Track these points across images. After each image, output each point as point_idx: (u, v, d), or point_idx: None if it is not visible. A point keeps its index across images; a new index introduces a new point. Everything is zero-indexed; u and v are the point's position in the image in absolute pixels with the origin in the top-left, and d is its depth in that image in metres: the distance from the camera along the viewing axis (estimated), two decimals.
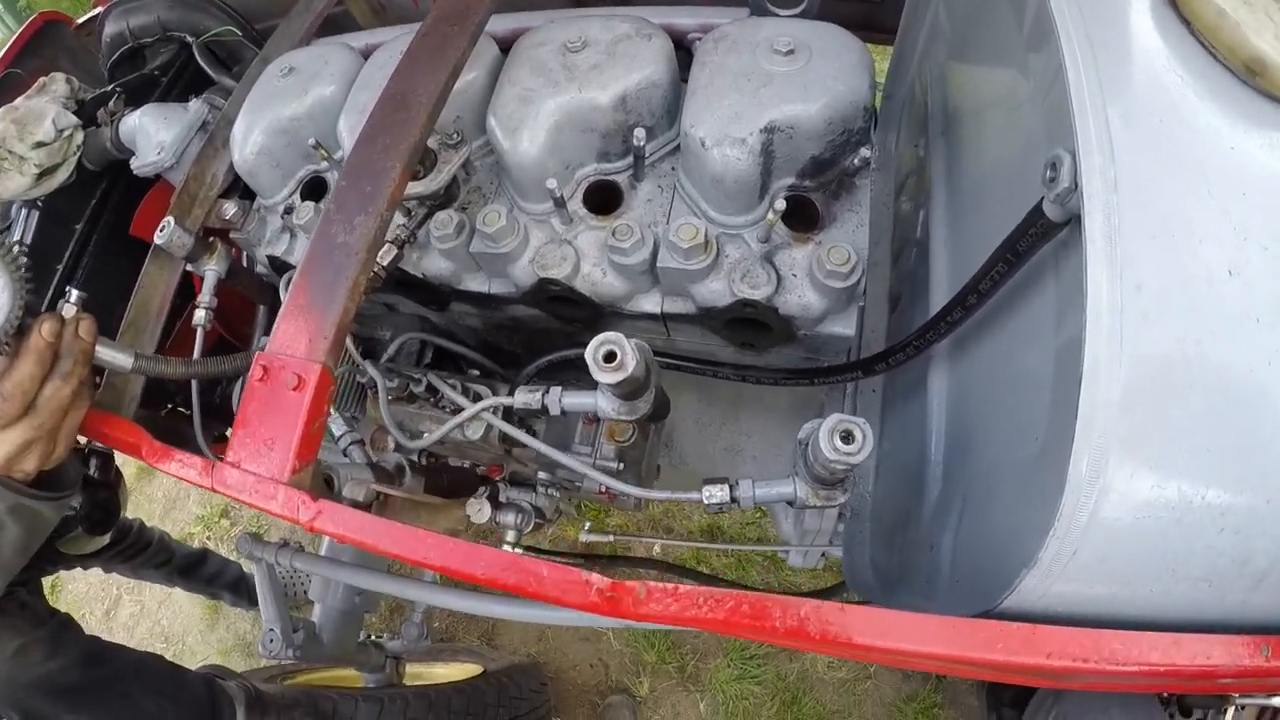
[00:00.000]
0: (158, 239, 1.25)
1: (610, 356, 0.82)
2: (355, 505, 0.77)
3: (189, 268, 1.35)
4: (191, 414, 1.41)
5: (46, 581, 3.47)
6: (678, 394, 1.64)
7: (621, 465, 1.23)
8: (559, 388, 0.96)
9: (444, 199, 1.20)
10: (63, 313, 0.94)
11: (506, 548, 1.52)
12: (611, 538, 1.74)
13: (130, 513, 2.81)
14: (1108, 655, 0.62)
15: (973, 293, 0.85)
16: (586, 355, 0.82)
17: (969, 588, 0.89)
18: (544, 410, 0.96)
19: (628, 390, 0.87)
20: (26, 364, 0.89)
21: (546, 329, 1.29)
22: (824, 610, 0.66)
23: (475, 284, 1.22)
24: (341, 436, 1.09)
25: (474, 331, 1.41)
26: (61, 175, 1.56)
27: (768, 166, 1.06)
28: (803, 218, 1.11)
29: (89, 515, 1.72)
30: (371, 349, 1.59)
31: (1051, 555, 0.64)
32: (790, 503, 0.91)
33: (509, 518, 1.47)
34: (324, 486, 0.92)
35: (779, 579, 2.66)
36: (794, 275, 1.07)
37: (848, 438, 0.77)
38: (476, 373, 1.39)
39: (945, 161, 1.22)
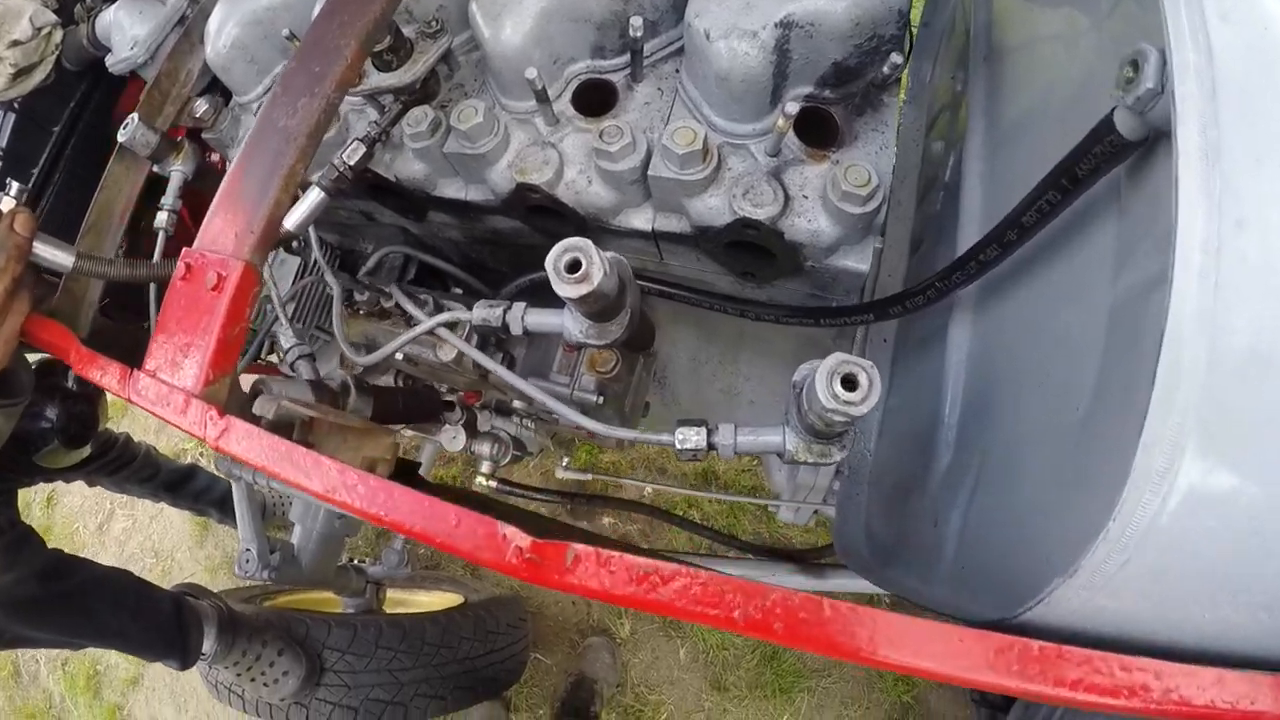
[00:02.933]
0: (120, 136, 1.17)
1: (574, 266, 0.71)
2: (272, 426, 0.67)
3: (155, 168, 1.26)
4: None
5: (41, 493, 3.49)
6: (675, 327, 1.53)
7: (601, 399, 1.13)
8: (522, 303, 0.86)
9: (420, 94, 1.08)
10: None
11: (480, 480, 1.44)
12: (589, 476, 1.66)
13: (125, 427, 2.77)
14: (1141, 689, 0.51)
15: (1013, 227, 0.73)
16: (547, 263, 0.71)
17: (979, 583, 0.79)
18: (504, 329, 0.86)
19: (596, 308, 0.76)
20: None
21: (531, 244, 1.18)
22: (796, 605, 0.55)
23: (451, 190, 1.10)
24: (290, 349, 0.99)
25: (456, 246, 1.30)
26: (39, 75, 1.46)
27: (782, 69, 0.93)
28: (820, 133, 0.98)
29: (65, 428, 1.65)
30: (353, 263, 1.49)
31: (1097, 562, 0.53)
32: (779, 455, 0.81)
33: (484, 448, 1.39)
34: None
35: (771, 530, 2.60)
36: (804, 196, 0.95)
37: (850, 383, 0.67)
38: (460, 291, 1.28)
39: (987, 90, 1.08)
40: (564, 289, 0.71)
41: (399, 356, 1.23)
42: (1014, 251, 0.76)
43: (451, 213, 1.16)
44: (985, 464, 0.87)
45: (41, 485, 3.18)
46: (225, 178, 0.80)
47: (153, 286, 1.27)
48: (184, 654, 1.82)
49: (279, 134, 0.80)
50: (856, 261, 0.99)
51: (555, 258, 0.71)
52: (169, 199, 1.25)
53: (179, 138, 1.26)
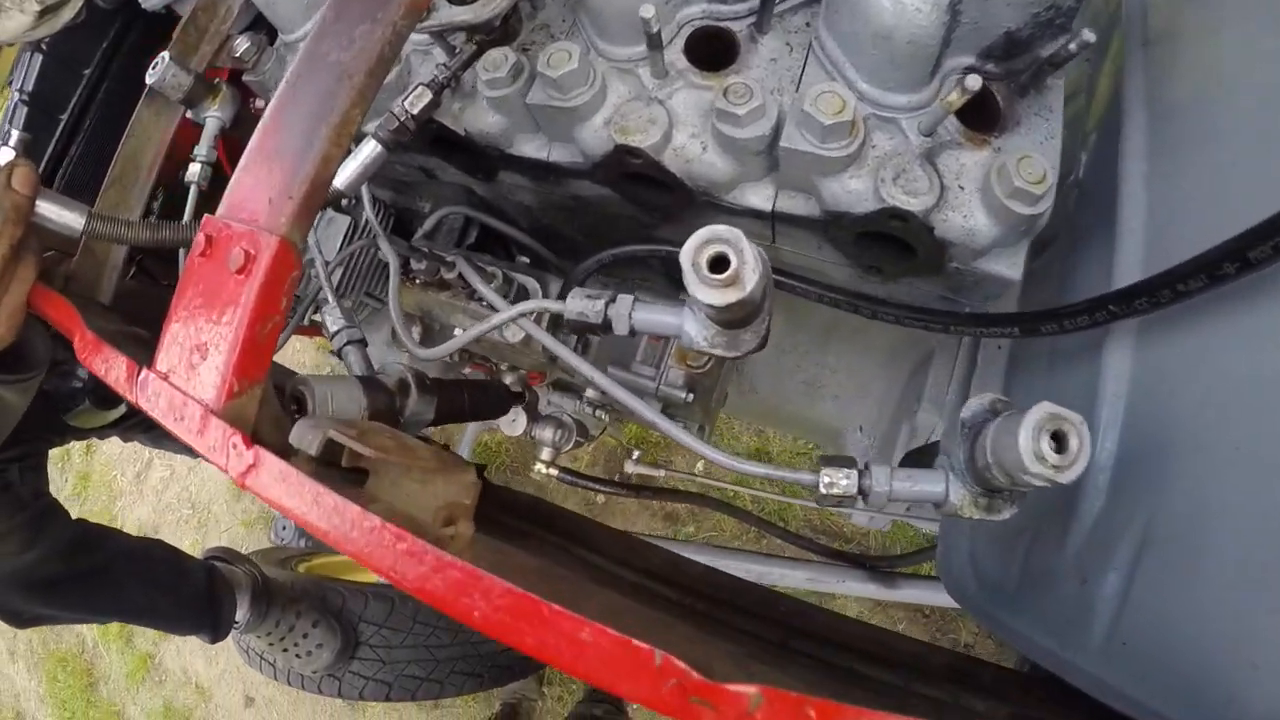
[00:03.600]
0: (149, 78, 1.02)
1: (720, 263, 0.55)
2: (312, 459, 0.53)
3: (189, 115, 1.11)
4: None
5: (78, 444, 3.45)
6: None
7: (691, 396, 0.98)
8: (629, 297, 0.71)
9: (500, 34, 0.91)
10: None
11: (540, 467, 1.32)
12: (663, 473, 1.53)
13: None
14: None
15: (1235, 259, 0.56)
16: (683, 259, 0.55)
17: (1151, 670, 0.65)
18: (604, 327, 0.71)
19: (735, 316, 0.61)
20: None
21: (617, 214, 1.02)
22: None
23: (531, 148, 0.94)
24: (337, 333, 0.85)
25: (527, 210, 1.14)
26: (67, 14, 1.30)
27: (948, 33, 0.75)
28: (978, 114, 0.81)
29: (96, 389, 1.55)
30: (407, 223, 1.35)
31: None
32: (936, 505, 0.67)
33: (546, 433, 1.26)
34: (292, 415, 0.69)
35: (822, 516, 2.46)
36: (960, 187, 0.79)
37: (1060, 442, 0.54)
38: (526, 260, 1.13)
39: (1149, 79, 0.89)
40: (706, 293, 0.55)
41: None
42: (1226, 285, 0.60)
43: (528, 174, 1.00)
44: (1157, 527, 0.71)
45: None
46: (259, 125, 0.65)
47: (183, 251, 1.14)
48: (215, 627, 1.75)
49: (330, 70, 0.64)
50: (1008, 268, 0.84)
51: (694, 250, 0.55)
52: (202, 148, 1.10)
53: (216, 80, 1.11)
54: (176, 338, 0.63)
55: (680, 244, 0.55)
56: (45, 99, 1.24)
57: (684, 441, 0.77)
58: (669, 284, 1.24)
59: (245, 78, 1.11)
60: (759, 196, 0.86)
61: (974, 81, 0.69)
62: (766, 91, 0.80)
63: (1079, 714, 0.84)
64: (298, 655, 1.84)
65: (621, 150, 0.84)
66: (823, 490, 0.66)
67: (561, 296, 1.04)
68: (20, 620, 1.40)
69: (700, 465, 2.52)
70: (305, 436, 0.53)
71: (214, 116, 1.11)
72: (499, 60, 0.87)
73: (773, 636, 0.87)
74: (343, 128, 0.63)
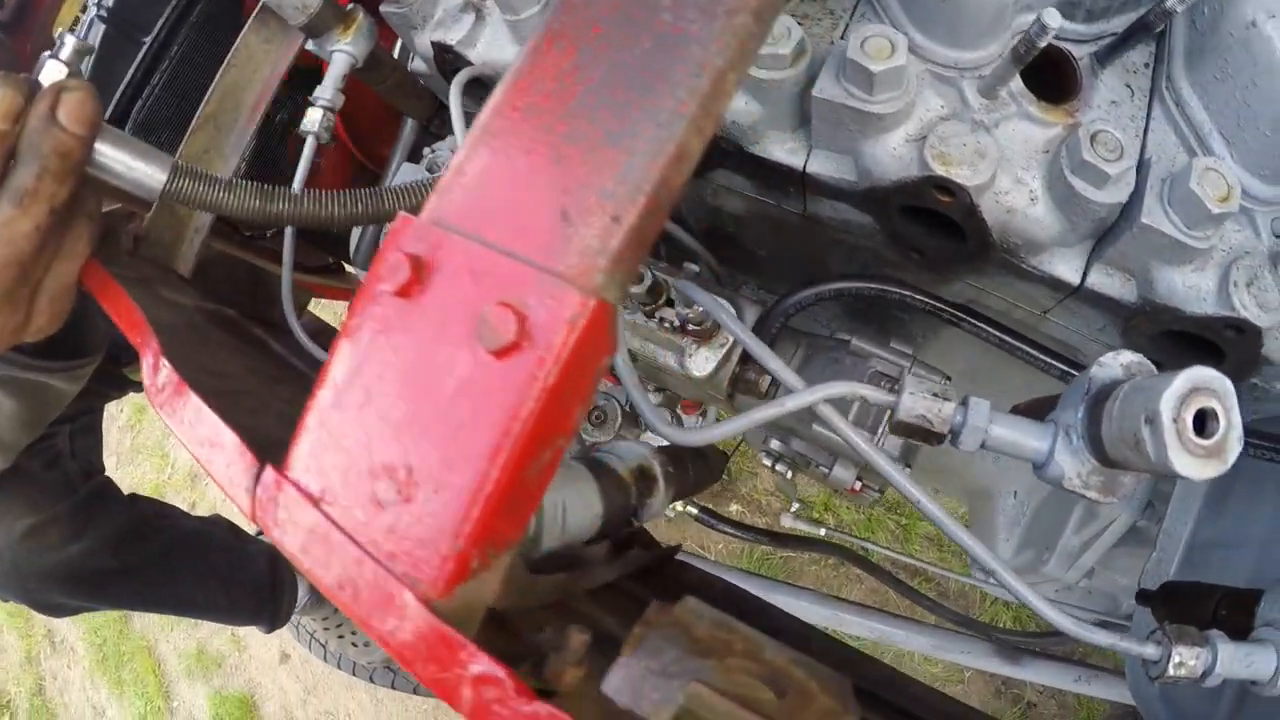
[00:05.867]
0: None
1: (1204, 422, 0.43)
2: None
3: (310, 45, 0.88)
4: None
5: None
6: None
7: (908, 469, 0.85)
8: (985, 404, 0.56)
9: None
10: (36, 78, 0.53)
11: (676, 506, 1.16)
12: (823, 531, 1.39)
13: None
14: None
15: None
16: (1163, 408, 0.43)
17: None
18: (946, 437, 0.56)
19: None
20: None
21: (846, 243, 0.86)
22: None
23: (781, 151, 0.76)
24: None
25: (714, 213, 0.97)
26: None
27: None
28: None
29: None
30: None
31: None
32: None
33: None
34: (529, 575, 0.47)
35: (908, 548, 2.32)
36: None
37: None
38: (695, 269, 0.96)
39: None
40: (1183, 461, 0.43)
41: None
42: None
43: (758, 179, 0.83)
44: None
45: None
46: (516, 74, 0.41)
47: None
48: (273, 619, 1.60)
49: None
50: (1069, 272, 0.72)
51: (1178, 401, 0.42)
52: (326, 91, 0.87)
53: (350, 4, 0.88)
54: (333, 435, 0.38)
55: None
56: (127, 15, 0.98)
57: (972, 549, 0.63)
58: (845, 315, 1.08)
59: (384, 8, 0.87)
60: (1069, 267, 0.72)
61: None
62: (1127, 139, 0.64)
63: None
64: (353, 644, 1.72)
65: (930, 182, 0.67)
66: (1171, 671, 0.54)
67: (758, 331, 0.89)
68: (59, 613, 1.21)
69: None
70: (646, 690, 0.31)
71: (344, 51, 0.87)
72: (780, 33, 0.69)
73: None
74: (712, 103, 0.38)
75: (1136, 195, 0.65)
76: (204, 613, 1.45)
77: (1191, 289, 0.67)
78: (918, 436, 0.57)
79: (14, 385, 0.72)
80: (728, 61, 0.40)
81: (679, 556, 0.79)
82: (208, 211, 0.68)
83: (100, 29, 0.97)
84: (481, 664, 0.31)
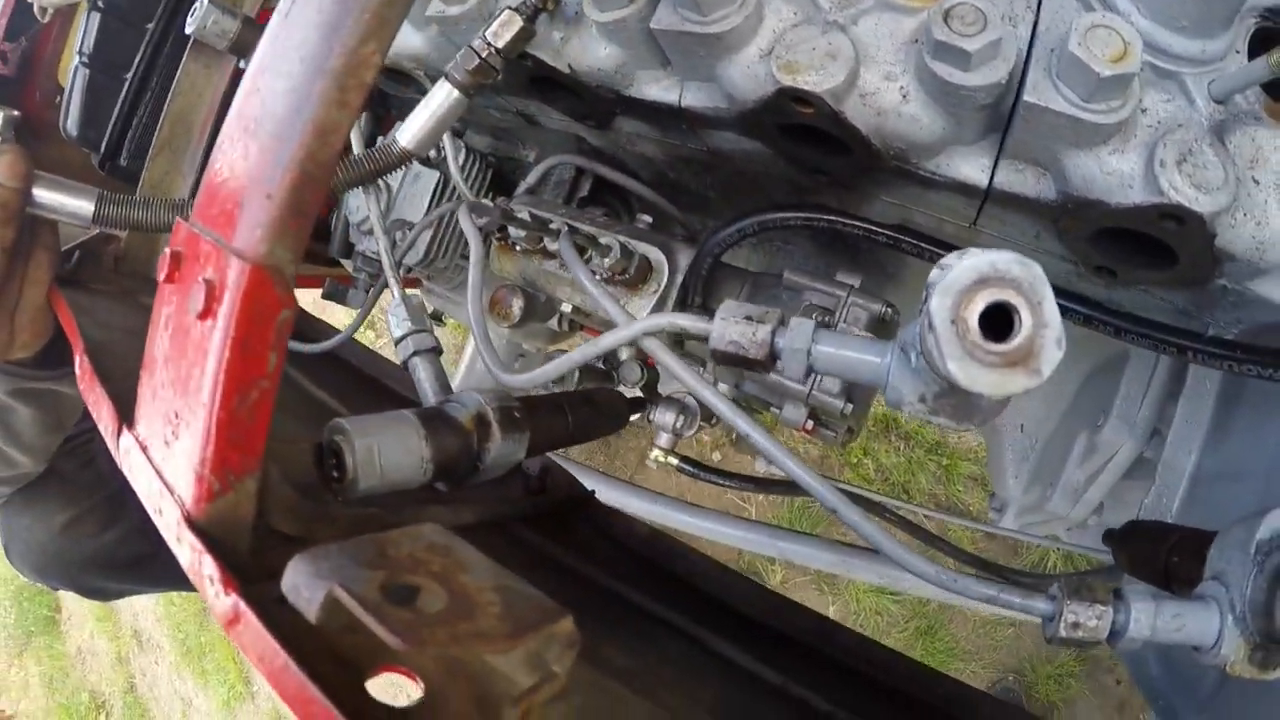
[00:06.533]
0: (189, 27, 0.86)
1: (1000, 319, 0.36)
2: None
3: (241, 65, 0.94)
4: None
5: None
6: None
7: (850, 406, 0.78)
8: (809, 323, 0.50)
9: None
10: None
11: (656, 454, 1.15)
12: (809, 475, 1.34)
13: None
14: None
15: None
16: (935, 307, 0.37)
17: None
18: (767, 363, 0.52)
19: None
20: None
21: (764, 174, 0.80)
22: None
23: (656, 90, 0.73)
24: (401, 339, 0.67)
25: (649, 162, 0.94)
26: None
27: None
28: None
29: None
30: (510, 174, 1.16)
31: None
32: (1197, 650, 0.49)
33: (667, 416, 1.08)
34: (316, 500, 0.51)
35: (949, 492, 2.22)
36: (1255, 180, 0.54)
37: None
38: (649, 220, 0.93)
39: None
40: (972, 373, 0.36)
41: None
42: None
43: (651, 122, 0.79)
44: None
45: None
46: (239, 93, 0.47)
47: None
48: None
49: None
50: None
51: (958, 295, 0.36)
52: None
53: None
54: (152, 393, 0.47)
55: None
56: (108, 59, 1.10)
57: (811, 486, 0.57)
58: (819, 252, 1.01)
59: None
60: (972, 167, 0.63)
61: None
62: (1000, 15, 0.55)
63: None
64: None
65: (785, 95, 0.61)
66: (1063, 633, 0.47)
67: (693, 274, 0.86)
68: (105, 596, 1.37)
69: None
70: (300, 589, 0.33)
71: None
72: None
73: None
74: (347, 78, 0.42)
75: (1026, 73, 0.56)
76: None
77: (1112, 175, 0.56)
78: (740, 365, 0.52)
79: (27, 394, 0.85)
80: (356, 51, 0.42)
81: (601, 499, 0.81)
82: (132, 230, 0.76)
83: (84, 73, 1.08)
84: (210, 567, 0.39)
